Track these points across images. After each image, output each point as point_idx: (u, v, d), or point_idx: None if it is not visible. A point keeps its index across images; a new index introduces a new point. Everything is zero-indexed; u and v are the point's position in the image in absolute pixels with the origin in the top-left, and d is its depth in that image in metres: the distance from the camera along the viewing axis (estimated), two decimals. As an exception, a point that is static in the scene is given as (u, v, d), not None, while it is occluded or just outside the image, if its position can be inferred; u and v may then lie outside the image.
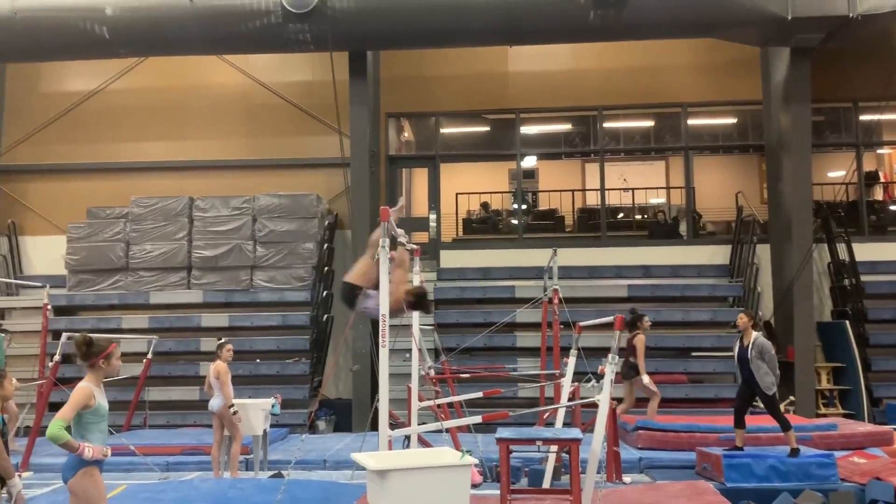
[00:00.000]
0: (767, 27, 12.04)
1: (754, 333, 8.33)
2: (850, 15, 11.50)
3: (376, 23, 12.31)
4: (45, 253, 14.82)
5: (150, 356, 12.03)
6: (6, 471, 5.04)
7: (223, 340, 8.91)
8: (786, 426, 8.25)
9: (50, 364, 9.93)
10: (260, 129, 15.00)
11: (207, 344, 12.74)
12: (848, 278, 13.22)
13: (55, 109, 15.23)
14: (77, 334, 4.82)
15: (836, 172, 15.41)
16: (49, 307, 11.25)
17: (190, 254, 13.69)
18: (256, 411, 8.91)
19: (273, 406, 9.18)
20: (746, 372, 8.30)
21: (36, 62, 14.71)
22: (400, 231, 6.44)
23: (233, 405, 8.44)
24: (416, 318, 7.90)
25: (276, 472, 8.85)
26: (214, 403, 8.51)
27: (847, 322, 12.87)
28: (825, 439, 9.43)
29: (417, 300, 6.12)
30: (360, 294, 5.98)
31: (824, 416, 12.14)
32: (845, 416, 12.20)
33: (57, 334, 11.55)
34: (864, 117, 14.58)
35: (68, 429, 4.42)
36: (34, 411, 10.68)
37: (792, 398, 12.43)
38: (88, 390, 4.58)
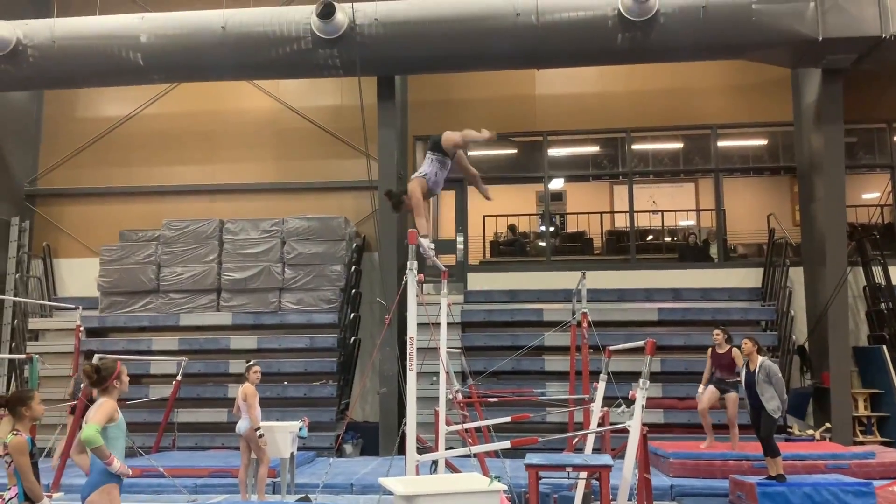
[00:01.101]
0: (798, 48, 11.93)
1: (760, 357, 8.28)
2: (883, 36, 11.35)
3: (404, 48, 12.44)
4: (79, 275, 15.06)
5: (179, 378, 12.12)
6: (35, 493, 5.07)
7: (251, 363, 8.94)
8: (774, 453, 8.11)
9: (82, 385, 10.02)
10: (289, 153, 15.17)
11: (236, 366, 12.82)
12: (884, 302, 12.93)
13: (90, 134, 15.57)
14: (86, 364, 4.95)
15: (871, 194, 15.15)
16: (81, 329, 11.40)
17: (220, 276, 13.83)
18: (284, 434, 8.90)
19: (300, 429, 9.16)
20: (754, 398, 8.18)
21: (72, 88, 15.07)
22: (431, 246, 6.46)
23: (259, 428, 8.44)
24: (443, 340, 7.86)
25: (304, 495, 8.81)
26: (241, 426, 8.52)
27: (884, 347, 12.56)
28: (863, 468, 9.20)
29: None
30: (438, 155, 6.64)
31: (862, 443, 11.83)
32: (884, 443, 11.88)
33: (89, 355, 11.70)
34: (898, 138, 14.34)
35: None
36: (65, 432, 10.78)
37: (828, 425, 12.14)
38: (113, 404, 4.72)
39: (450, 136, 6.65)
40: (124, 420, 4.82)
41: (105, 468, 4.59)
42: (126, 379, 4.95)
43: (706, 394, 9.71)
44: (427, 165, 6.59)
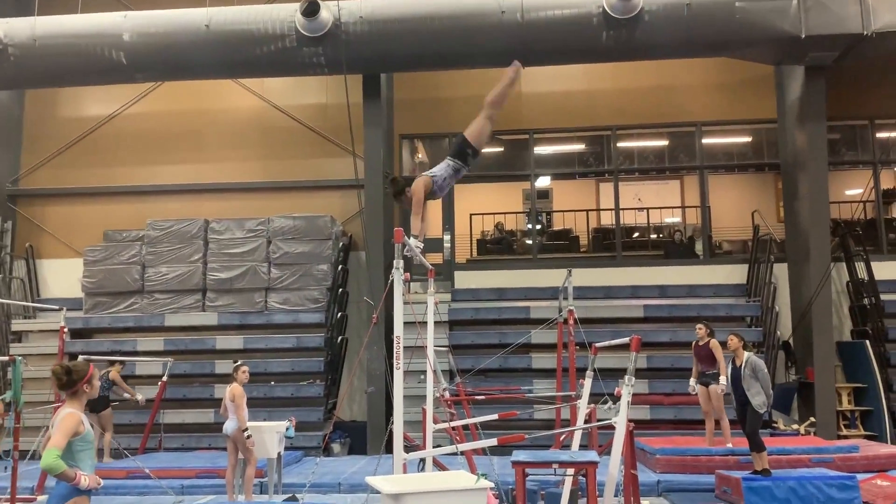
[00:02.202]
0: (781, 46, 12.01)
1: (746, 353, 8.38)
2: (865, 33, 11.45)
3: (390, 45, 12.41)
4: (62, 276, 14.93)
5: (165, 378, 12.04)
6: None
7: (239, 363, 8.90)
8: (759, 448, 8.20)
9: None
10: (274, 152, 15.10)
11: (222, 366, 12.76)
12: (867, 297, 13.04)
13: (72, 134, 15.43)
14: (56, 365, 4.61)
15: (854, 190, 15.29)
16: (65, 330, 11.30)
17: (205, 276, 13.75)
18: (271, 434, 8.87)
19: (287, 429, 9.14)
20: (740, 393, 8.26)
21: (54, 87, 14.93)
22: (419, 246, 6.43)
23: (246, 429, 8.40)
24: (430, 339, 7.85)
25: (291, 495, 8.78)
26: (229, 426, 8.48)
27: (867, 342, 12.68)
28: (847, 461, 9.29)
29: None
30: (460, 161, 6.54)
31: (846, 437, 11.94)
32: (867, 437, 11.99)
33: (73, 357, 11.61)
34: (880, 134, 14.47)
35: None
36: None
37: (812, 419, 12.25)
38: (77, 417, 4.39)
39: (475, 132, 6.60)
40: (91, 430, 4.54)
41: None
42: (97, 384, 4.68)
43: (702, 395, 9.75)
44: (441, 168, 6.48)
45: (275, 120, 15.07)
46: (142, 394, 11.83)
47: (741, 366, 8.33)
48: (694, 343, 9.90)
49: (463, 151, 6.47)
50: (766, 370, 8.37)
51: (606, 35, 11.91)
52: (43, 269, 15.31)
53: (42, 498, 9.03)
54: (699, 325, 9.87)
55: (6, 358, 9.65)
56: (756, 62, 13.21)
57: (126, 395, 11.67)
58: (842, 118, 14.05)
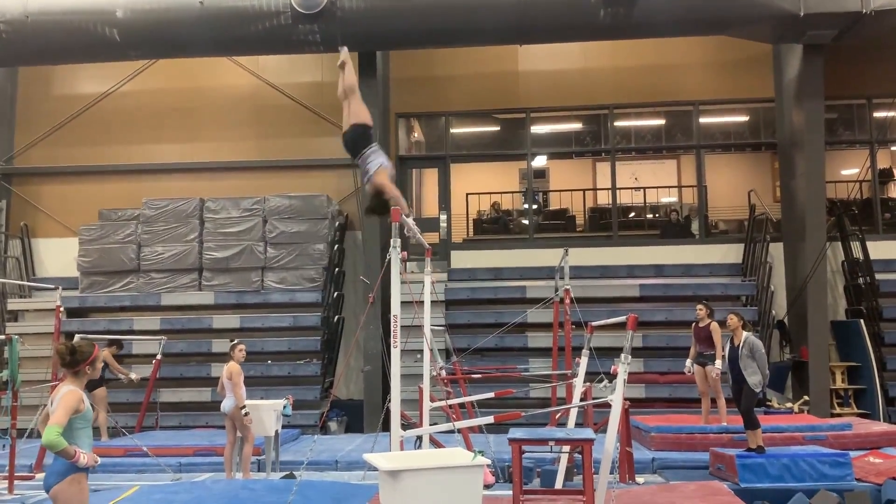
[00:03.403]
0: (779, 24, 11.94)
1: (744, 333, 8.41)
2: (864, 11, 11.39)
3: (386, 23, 12.30)
4: (58, 255, 14.89)
5: (159, 357, 12.06)
6: None
7: (236, 341, 8.92)
8: (754, 425, 8.26)
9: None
10: (270, 131, 15.02)
11: (219, 345, 12.78)
12: (862, 276, 13.09)
13: (66, 112, 15.31)
14: (61, 343, 4.64)
15: (850, 170, 15.29)
16: (62, 309, 11.30)
17: (201, 255, 13.73)
18: (268, 412, 8.92)
19: (285, 407, 9.18)
20: (737, 372, 8.31)
21: (47, 65, 14.79)
22: (415, 228, 6.42)
23: (244, 406, 8.44)
24: (427, 318, 7.87)
25: (288, 472, 8.84)
26: (226, 404, 8.52)
27: (862, 321, 12.74)
28: (840, 439, 9.37)
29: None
30: (370, 146, 6.12)
31: (839, 415, 12.03)
32: (860, 415, 12.09)
33: (69, 336, 11.62)
34: (878, 114, 14.43)
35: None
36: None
37: (806, 398, 12.34)
38: (78, 394, 4.42)
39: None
40: (91, 409, 4.58)
41: None
42: (99, 366, 4.72)
43: (699, 374, 9.78)
44: (378, 155, 6.26)
45: (270, 98, 14.97)
46: (135, 372, 11.85)
47: (739, 345, 8.38)
48: (694, 324, 9.91)
49: (368, 135, 6.24)
50: (763, 350, 8.43)
51: (604, 12, 11.81)
52: (38, 248, 15.26)
53: (40, 475, 9.09)
54: (700, 306, 9.84)
55: (2, 337, 9.67)
56: (754, 40, 13.14)
57: (120, 376, 11.69)
58: (839, 97, 13.99)
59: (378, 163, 6.12)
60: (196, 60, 14.48)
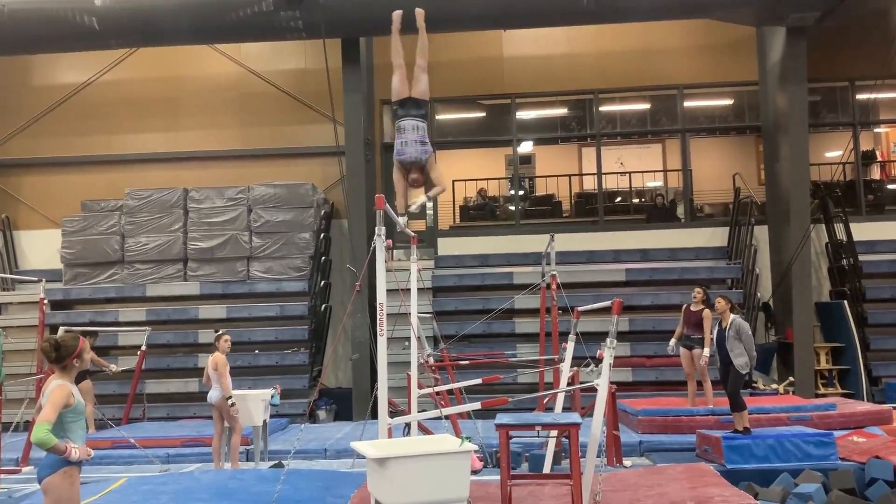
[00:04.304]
0: (763, 7, 11.96)
1: (732, 315, 8.47)
2: (846, -7, 11.42)
3: (369, 8, 12.18)
4: (41, 247, 14.76)
5: (144, 348, 12.00)
6: None
7: (220, 332, 8.89)
8: (740, 407, 8.34)
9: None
10: (253, 119, 14.90)
11: (205, 336, 12.73)
12: (846, 258, 13.20)
13: (47, 102, 15.12)
14: (45, 340, 4.58)
15: (834, 152, 15.37)
16: (45, 301, 11.21)
17: (186, 245, 13.64)
18: (256, 402, 8.90)
19: (273, 396, 9.17)
20: (724, 354, 8.38)
21: (26, 55, 14.56)
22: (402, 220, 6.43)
23: (230, 397, 8.41)
24: (414, 306, 7.87)
25: (277, 462, 8.84)
26: (213, 395, 8.50)
27: (845, 302, 12.86)
28: (824, 419, 9.46)
29: None
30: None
31: (823, 396, 12.14)
32: (844, 395, 12.22)
33: (54, 329, 11.52)
34: (860, 96, 14.50)
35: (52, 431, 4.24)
36: (32, 406, 10.65)
37: (791, 379, 12.46)
38: (67, 389, 4.39)
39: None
40: (82, 401, 4.55)
41: None
42: (87, 357, 4.69)
43: (685, 357, 9.83)
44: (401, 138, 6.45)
45: (253, 86, 14.84)
46: (115, 364, 11.79)
47: (727, 328, 8.43)
48: (686, 305, 9.93)
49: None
50: (750, 332, 8.49)
51: (588, -3, 11.77)
52: (20, 240, 15.11)
53: (27, 469, 9.04)
54: (697, 290, 9.82)
55: (-15, 330, 9.58)
56: (738, 24, 13.15)
57: (103, 368, 11.61)
58: (822, 80, 14.06)
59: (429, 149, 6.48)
60: (178, 49, 14.31)
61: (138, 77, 15.03)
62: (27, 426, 10.42)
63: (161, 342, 12.98)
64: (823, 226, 13.68)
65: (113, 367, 11.56)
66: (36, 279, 11.70)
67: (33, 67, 15.30)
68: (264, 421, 9.11)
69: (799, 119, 12.72)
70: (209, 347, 9.23)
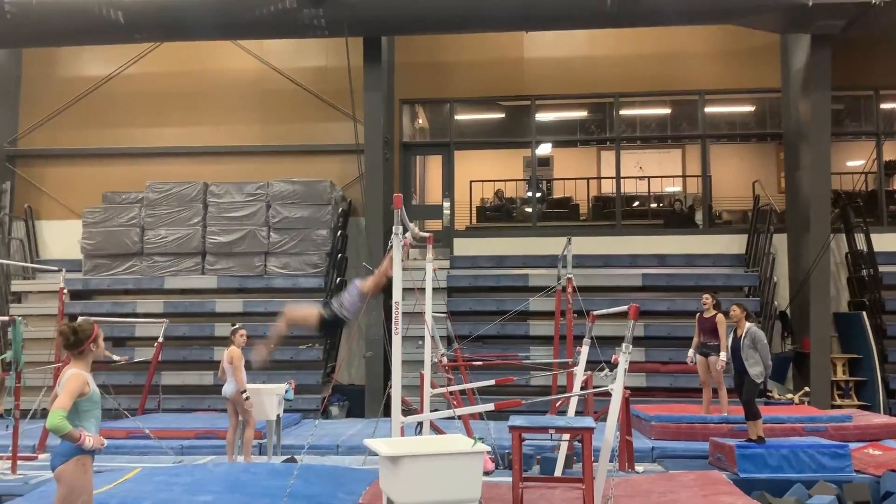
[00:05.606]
0: (787, 13, 11.86)
1: (747, 324, 8.41)
2: (873, 1, 11.32)
3: (391, 8, 12.25)
4: (62, 237, 14.91)
5: (161, 340, 12.10)
6: None
7: (237, 326, 8.95)
8: (755, 416, 8.28)
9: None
10: (274, 115, 14.99)
11: (221, 329, 12.81)
12: (866, 269, 13.07)
13: (71, 94, 15.29)
14: (63, 325, 4.63)
15: (856, 161, 15.22)
16: (65, 291, 11.33)
17: (204, 239, 13.75)
18: (270, 396, 8.95)
19: (286, 391, 9.22)
20: (738, 363, 8.32)
21: (52, 47, 14.76)
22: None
23: (245, 391, 8.47)
24: (428, 305, 7.88)
25: (290, 456, 8.88)
26: (228, 389, 8.55)
27: (864, 313, 12.73)
28: (840, 430, 9.38)
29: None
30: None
31: (839, 407, 12.05)
32: (861, 407, 12.11)
33: (73, 318, 11.64)
34: (885, 105, 14.35)
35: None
36: (49, 394, 10.77)
37: (807, 389, 12.35)
38: (82, 377, 4.43)
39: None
40: (97, 391, 4.57)
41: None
42: (102, 343, 4.73)
43: (701, 365, 9.77)
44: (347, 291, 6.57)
45: (274, 83, 14.92)
46: (126, 356, 11.88)
47: (742, 336, 8.37)
48: (699, 314, 9.89)
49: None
50: (765, 341, 8.41)
51: (611, 0, 11.74)
52: (42, 230, 15.29)
53: (43, 456, 9.14)
54: (706, 296, 9.79)
55: (6, 318, 9.70)
56: (762, 30, 13.05)
57: (114, 358, 11.70)
58: (846, 88, 13.91)
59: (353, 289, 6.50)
60: (200, 44, 14.43)
61: (161, 71, 15.17)
62: (45, 414, 10.54)
63: (177, 334, 13.09)
64: (843, 235, 13.55)
65: (116, 358, 11.66)
66: (56, 269, 11.84)
67: (59, 59, 15.47)
68: (278, 415, 9.16)
69: (821, 127, 12.61)
70: (225, 341, 9.29)
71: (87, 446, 4.35)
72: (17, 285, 14.55)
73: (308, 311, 6.83)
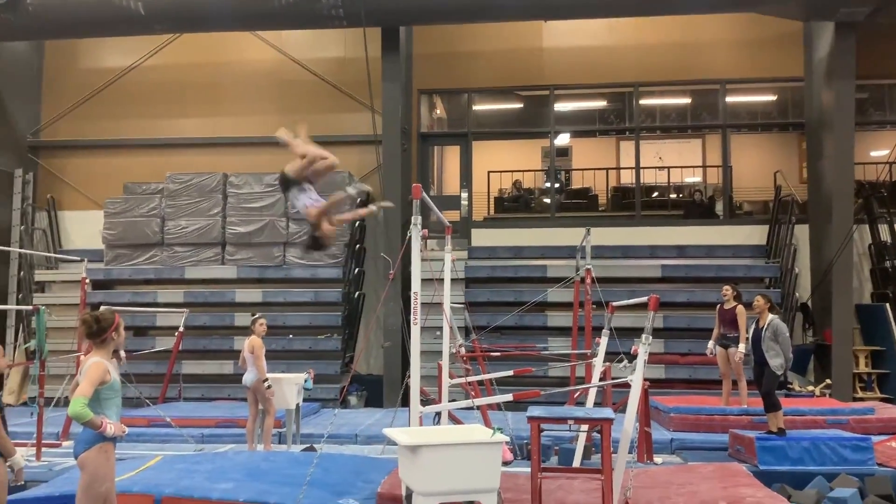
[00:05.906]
0: (811, 1, 11.68)
1: (770, 315, 8.31)
2: (899, -12, 11.12)
3: (409, -2, 12.21)
4: (83, 227, 15.07)
5: (181, 329, 12.21)
6: (6, 448, 5.00)
7: (257, 315, 9.00)
8: (775, 408, 8.18)
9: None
10: (292, 106, 14.98)
11: (241, 319, 12.91)
12: (889, 260, 12.90)
13: (92, 85, 15.41)
14: (85, 313, 4.70)
15: (880, 151, 15.00)
16: (87, 281, 11.46)
17: (224, 230, 13.84)
18: (290, 386, 9.01)
19: (306, 381, 9.27)
20: (759, 354, 8.24)
21: (73, 38, 14.88)
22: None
23: (266, 379, 8.53)
24: (447, 296, 7.89)
25: (309, 445, 8.94)
26: (248, 378, 8.62)
27: (887, 305, 12.58)
28: (862, 423, 9.30)
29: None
30: (295, 188, 6.77)
31: (861, 399, 11.93)
32: (883, 400, 11.98)
33: (95, 307, 11.77)
34: (910, 94, 14.13)
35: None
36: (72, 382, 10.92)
37: (828, 381, 12.24)
38: (103, 366, 4.49)
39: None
40: (118, 379, 4.63)
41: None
42: (123, 332, 4.79)
43: (721, 356, 9.71)
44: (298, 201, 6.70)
45: (292, 73, 14.94)
46: (131, 348, 11.94)
47: (763, 327, 8.28)
48: (719, 305, 9.83)
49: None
50: (787, 334, 8.29)
51: (631, -11, 11.63)
52: (64, 220, 15.46)
53: (67, 443, 9.28)
54: (726, 288, 9.74)
55: (30, 307, 9.83)
56: (785, 18, 12.87)
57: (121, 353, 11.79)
58: (870, 77, 13.69)
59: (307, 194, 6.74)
60: (220, 35, 14.48)
61: (180, 62, 15.25)
62: (68, 402, 10.69)
63: (198, 324, 13.20)
64: (867, 226, 13.37)
65: (122, 353, 11.76)
66: (78, 259, 11.97)
67: (80, 51, 15.60)
68: (297, 405, 9.22)
69: (845, 116, 12.43)
70: (245, 330, 9.36)
71: (109, 434, 4.41)
72: (40, 275, 14.73)
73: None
